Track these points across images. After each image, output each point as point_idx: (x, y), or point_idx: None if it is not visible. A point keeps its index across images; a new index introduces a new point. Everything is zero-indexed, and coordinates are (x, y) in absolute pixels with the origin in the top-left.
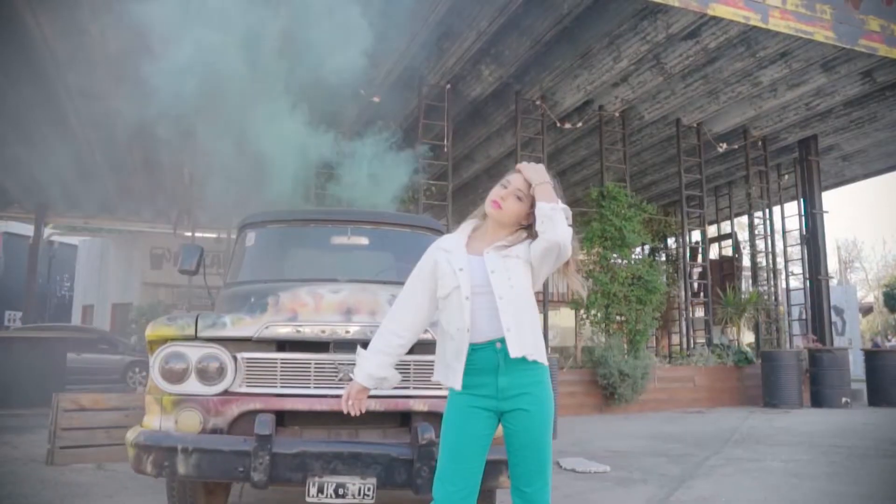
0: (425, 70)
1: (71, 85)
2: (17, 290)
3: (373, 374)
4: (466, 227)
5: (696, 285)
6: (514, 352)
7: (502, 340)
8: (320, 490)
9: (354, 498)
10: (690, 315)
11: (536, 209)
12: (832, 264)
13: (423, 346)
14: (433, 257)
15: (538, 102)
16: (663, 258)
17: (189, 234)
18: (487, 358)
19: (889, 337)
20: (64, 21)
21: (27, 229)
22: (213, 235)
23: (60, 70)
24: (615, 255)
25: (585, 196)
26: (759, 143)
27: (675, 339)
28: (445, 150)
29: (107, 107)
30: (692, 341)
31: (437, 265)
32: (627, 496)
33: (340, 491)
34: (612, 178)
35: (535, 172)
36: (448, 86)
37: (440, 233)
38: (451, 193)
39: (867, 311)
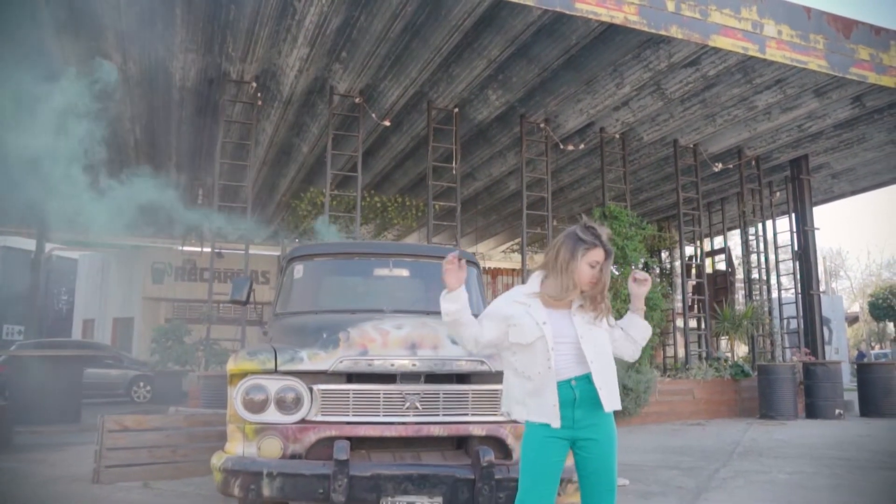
0: (434, 95)
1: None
2: (15, 304)
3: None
4: (535, 283)
5: (690, 299)
6: (608, 407)
7: (577, 379)
8: None
9: None
10: (686, 328)
11: (639, 321)
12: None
13: (480, 377)
14: (509, 308)
15: (542, 125)
16: (657, 271)
17: (197, 248)
18: (565, 394)
19: (873, 345)
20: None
21: (25, 243)
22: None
23: (80, 94)
24: (616, 273)
25: (583, 212)
26: (753, 162)
27: (669, 350)
28: (454, 171)
29: (120, 128)
30: (687, 356)
31: (512, 315)
32: None
33: None
34: (610, 195)
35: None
36: (456, 110)
37: (474, 264)
38: (458, 211)
39: (853, 320)
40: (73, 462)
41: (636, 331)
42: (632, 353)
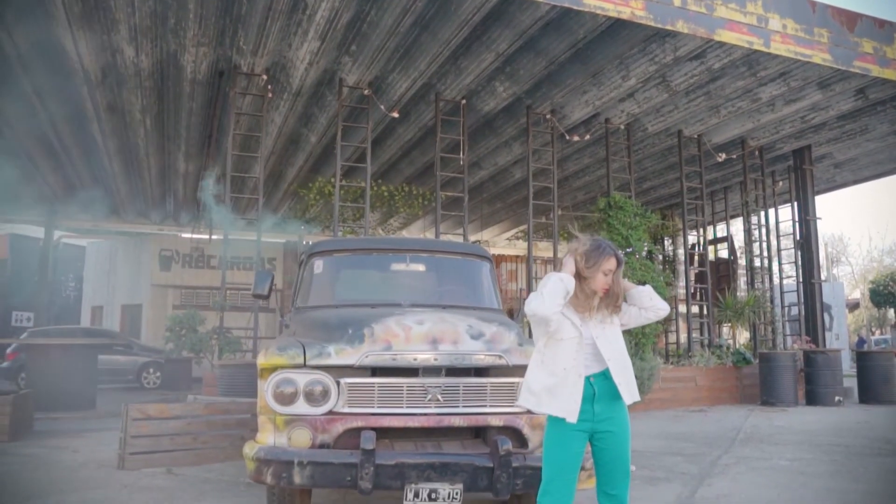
0: (442, 87)
1: (99, 100)
2: (23, 291)
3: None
4: None
5: (693, 287)
6: (628, 399)
7: (595, 375)
8: (416, 495)
9: (444, 501)
10: (689, 315)
11: (635, 292)
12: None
13: (498, 370)
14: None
15: (548, 116)
16: (660, 259)
17: (206, 236)
18: (585, 390)
19: (874, 330)
20: (100, 41)
21: (32, 230)
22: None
23: (91, 87)
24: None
25: (587, 200)
26: (756, 152)
27: (672, 337)
28: (461, 162)
29: (131, 119)
30: (690, 343)
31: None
32: (658, 494)
33: (433, 495)
34: (615, 184)
35: (623, 282)
36: (463, 101)
37: (488, 259)
38: (466, 201)
39: (854, 306)
40: (95, 448)
41: (641, 300)
42: (655, 314)
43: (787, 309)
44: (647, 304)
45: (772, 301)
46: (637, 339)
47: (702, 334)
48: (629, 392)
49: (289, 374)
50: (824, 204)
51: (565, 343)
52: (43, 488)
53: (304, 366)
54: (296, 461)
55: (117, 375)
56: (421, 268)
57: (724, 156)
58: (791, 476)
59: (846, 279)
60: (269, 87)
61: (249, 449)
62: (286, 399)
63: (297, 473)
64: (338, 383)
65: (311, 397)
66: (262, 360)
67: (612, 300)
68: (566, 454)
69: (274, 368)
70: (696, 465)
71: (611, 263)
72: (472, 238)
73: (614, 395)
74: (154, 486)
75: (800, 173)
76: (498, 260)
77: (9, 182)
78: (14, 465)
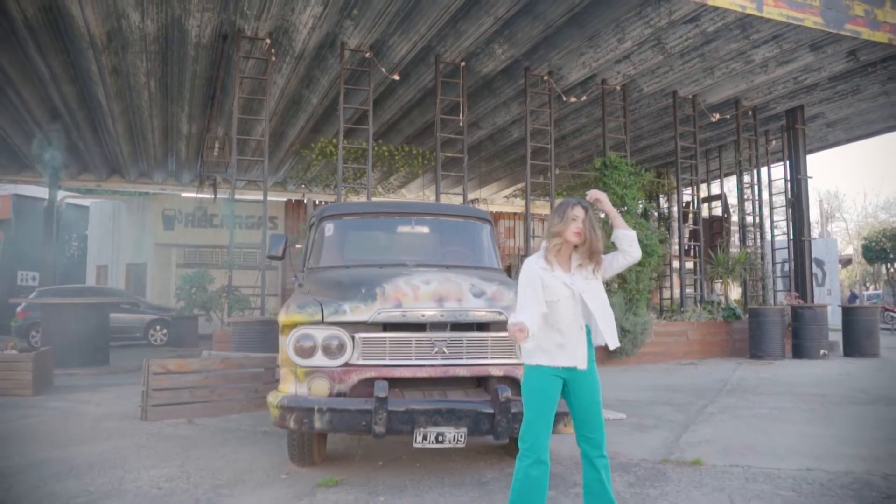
0: (442, 49)
1: (104, 63)
2: (27, 251)
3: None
4: (545, 252)
5: (686, 244)
6: (612, 345)
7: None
8: (425, 438)
9: (450, 443)
10: (682, 271)
11: (620, 233)
12: (814, 215)
13: (499, 325)
14: (538, 274)
15: (545, 78)
16: (655, 215)
17: (211, 196)
18: None
19: (867, 285)
20: (106, 6)
21: (36, 191)
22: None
23: (97, 51)
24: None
25: (583, 160)
26: (749, 112)
27: (666, 293)
28: (461, 123)
29: (135, 82)
30: (683, 299)
31: (542, 279)
32: (646, 439)
33: (440, 438)
34: (611, 143)
35: (609, 203)
36: (463, 63)
37: (489, 221)
38: (465, 161)
39: (847, 262)
40: (115, 402)
41: (622, 242)
42: (634, 258)
43: (779, 265)
44: (626, 248)
45: (763, 258)
46: (631, 295)
47: (695, 290)
48: (612, 339)
49: (308, 330)
50: (821, 160)
51: (563, 302)
52: (75, 437)
53: (322, 322)
54: (316, 408)
55: (125, 333)
56: (425, 230)
57: (717, 116)
58: (770, 423)
59: (840, 235)
60: (273, 50)
61: (273, 398)
62: (306, 352)
63: (318, 419)
64: (353, 338)
65: (328, 351)
66: (283, 318)
67: (587, 246)
68: (543, 398)
69: (294, 325)
70: (683, 413)
71: (577, 211)
72: (471, 196)
73: (589, 346)
74: (178, 435)
75: (792, 133)
76: (496, 217)
77: (12, 143)
78: (43, 418)
